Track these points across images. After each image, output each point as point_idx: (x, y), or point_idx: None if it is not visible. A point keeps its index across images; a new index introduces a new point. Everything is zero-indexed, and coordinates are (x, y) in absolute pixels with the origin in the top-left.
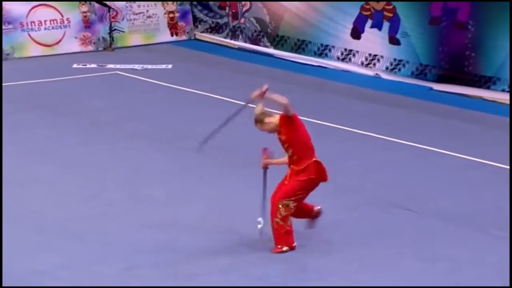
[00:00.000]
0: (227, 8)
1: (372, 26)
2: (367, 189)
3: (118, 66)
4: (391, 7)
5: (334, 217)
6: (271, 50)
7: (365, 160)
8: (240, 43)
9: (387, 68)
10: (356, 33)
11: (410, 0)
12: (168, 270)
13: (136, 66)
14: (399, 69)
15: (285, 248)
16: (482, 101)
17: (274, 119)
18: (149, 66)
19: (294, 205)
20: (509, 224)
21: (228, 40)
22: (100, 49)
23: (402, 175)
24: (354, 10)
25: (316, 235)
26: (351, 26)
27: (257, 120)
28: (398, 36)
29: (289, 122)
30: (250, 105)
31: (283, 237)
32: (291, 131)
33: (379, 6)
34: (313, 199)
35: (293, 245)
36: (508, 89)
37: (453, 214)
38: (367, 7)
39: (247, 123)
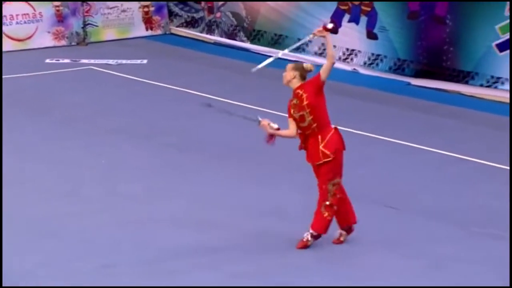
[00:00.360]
0: (202, 2)
1: (349, 21)
2: (347, 185)
3: (92, 61)
4: (368, 1)
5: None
6: (247, 45)
7: (345, 156)
8: (216, 38)
9: (364, 63)
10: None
11: None
12: (148, 268)
13: (111, 61)
14: (377, 64)
15: (310, 242)
16: (461, 96)
17: (297, 81)
18: (124, 61)
19: (340, 181)
20: (509, 223)
21: (204, 35)
22: (73, 43)
23: (381, 171)
24: (331, 4)
25: (297, 232)
26: (328, 21)
27: (292, 65)
28: (375, 30)
29: (318, 87)
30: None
31: (322, 223)
32: (317, 97)
33: (356, 0)
34: (291, 195)
35: (324, 233)
36: (487, 84)
37: (434, 210)
38: (345, 1)
39: (226, 119)
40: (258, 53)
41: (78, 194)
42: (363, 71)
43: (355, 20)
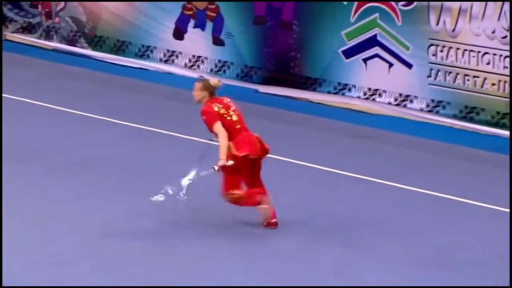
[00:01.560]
0: (39, 6)
1: (195, 26)
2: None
3: None
4: (214, 6)
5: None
6: (89, 52)
7: (190, 166)
8: (55, 44)
9: (211, 70)
10: (179, 34)
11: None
12: None
13: None
14: (224, 71)
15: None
16: (308, 103)
17: (207, 98)
18: None
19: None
20: (509, 223)
21: (41, 41)
22: None
23: None
24: (175, 9)
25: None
26: (173, 26)
27: (200, 84)
28: (222, 36)
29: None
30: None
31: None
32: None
33: (201, 5)
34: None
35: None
36: (334, 91)
37: (281, 220)
38: (189, 6)
39: (62, 129)
40: (100, 60)
41: None
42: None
43: (200, 25)
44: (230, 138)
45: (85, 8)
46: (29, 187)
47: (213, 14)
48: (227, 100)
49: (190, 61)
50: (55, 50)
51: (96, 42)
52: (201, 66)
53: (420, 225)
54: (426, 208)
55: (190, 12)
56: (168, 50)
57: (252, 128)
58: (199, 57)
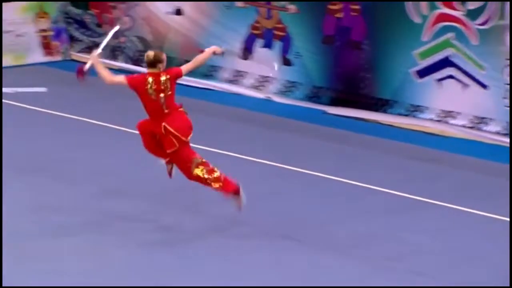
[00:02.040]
0: (105, 26)
1: (263, 46)
2: (256, 219)
3: None
4: (282, 25)
5: (222, 249)
6: None
7: (254, 188)
8: (120, 64)
9: (279, 91)
10: (246, 53)
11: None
12: None
13: (7, 90)
14: (292, 92)
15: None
16: (378, 125)
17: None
18: (21, 89)
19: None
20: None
21: (107, 61)
22: None
23: (293, 204)
24: (243, 28)
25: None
26: (240, 46)
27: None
28: (290, 56)
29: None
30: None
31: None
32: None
33: (269, 24)
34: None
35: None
36: (406, 113)
37: (347, 244)
38: (257, 25)
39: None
40: None
41: None
42: (277, 99)
43: (268, 45)
44: (158, 119)
45: (152, 27)
46: None
47: (281, 34)
48: (166, 76)
49: (257, 81)
50: (120, 70)
51: None
52: (269, 87)
53: (491, 252)
54: (498, 234)
55: (258, 32)
56: (234, 70)
57: (318, 151)
58: (266, 77)
